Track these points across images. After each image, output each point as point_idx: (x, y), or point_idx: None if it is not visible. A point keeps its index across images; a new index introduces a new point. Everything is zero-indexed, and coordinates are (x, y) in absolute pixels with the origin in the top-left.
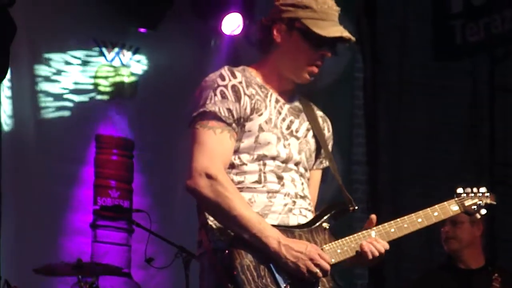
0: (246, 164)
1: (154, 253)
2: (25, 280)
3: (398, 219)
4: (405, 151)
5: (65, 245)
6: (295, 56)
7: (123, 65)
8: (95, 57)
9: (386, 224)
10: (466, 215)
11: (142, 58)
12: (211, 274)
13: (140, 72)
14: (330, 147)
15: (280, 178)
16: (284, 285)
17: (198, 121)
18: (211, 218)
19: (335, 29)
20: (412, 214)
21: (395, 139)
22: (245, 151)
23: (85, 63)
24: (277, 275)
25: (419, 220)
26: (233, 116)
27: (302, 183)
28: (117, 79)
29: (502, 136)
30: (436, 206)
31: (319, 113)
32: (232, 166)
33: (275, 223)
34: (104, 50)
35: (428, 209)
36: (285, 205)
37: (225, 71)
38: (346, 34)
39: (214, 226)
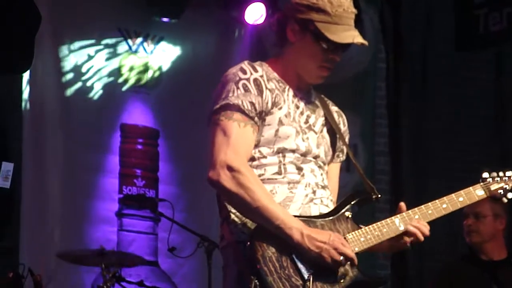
0: (266, 157)
1: (181, 242)
2: (50, 269)
3: (422, 206)
4: (428, 143)
5: (91, 233)
6: (306, 57)
7: (147, 54)
8: (119, 46)
9: (410, 211)
10: (491, 203)
11: (166, 48)
12: (234, 267)
13: (164, 61)
14: (347, 140)
15: (299, 169)
16: (307, 275)
17: (222, 113)
18: (233, 211)
19: (347, 35)
20: (437, 200)
21: (418, 130)
22: (265, 144)
23: (109, 52)
24: (300, 265)
25: (444, 206)
26: (255, 110)
27: (322, 174)
28: (142, 68)
29: None
30: (461, 191)
31: (334, 108)
32: (252, 159)
33: (297, 213)
34: (128, 39)
35: (453, 194)
36: (306, 195)
37: (245, 65)
38: (357, 40)
39: (236, 219)
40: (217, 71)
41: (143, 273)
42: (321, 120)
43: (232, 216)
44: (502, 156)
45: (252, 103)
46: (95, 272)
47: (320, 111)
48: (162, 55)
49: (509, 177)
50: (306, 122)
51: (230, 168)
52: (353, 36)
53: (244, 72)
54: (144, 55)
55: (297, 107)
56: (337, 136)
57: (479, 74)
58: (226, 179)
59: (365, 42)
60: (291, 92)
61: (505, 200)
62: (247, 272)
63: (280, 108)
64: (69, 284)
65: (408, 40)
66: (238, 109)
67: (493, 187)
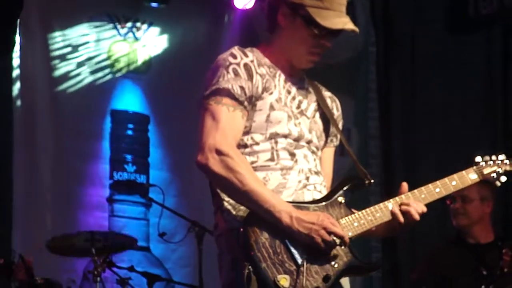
0: (258, 144)
1: (173, 228)
2: (41, 255)
3: (415, 190)
4: (418, 125)
5: (82, 219)
6: (296, 42)
7: (136, 39)
8: (108, 32)
9: (403, 195)
10: (478, 186)
11: (156, 33)
12: (228, 254)
13: (153, 46)
14: (340, 126)
15: (292, 154)
16: (301, 260)
17: (211, 97)
18: (226, 199)
19: (338, 21)
20: (430, 184)
21: (408, 112)
22: (257, 130)
23: (98, 38)
24: (293, 251)
25: (437, 190)
26: (245, 94)
27: (315, 159)
28: (131, 54)
29: None
30: (454, 175)
31: (327, 94)
32: (245, 146)
33: (290, 199)
34: (117, 25)
35: (446, 178)
36: (300, 181)
37: (235, 50)
38: (348, 26)
39: (229, 207)
40: (207, 56)
41: (135, 258)
42: (314, 105)
43: (226, 204)
44: (493, 138)
45: (242, 88)
46: (87, 258)
47: (313, 97)
48: (152, 41)
49: (502, 160)
50: (298, 107)
51: (219, 152)
52: (344, 23)
53: (234, 57)
54: (134, 40)
55: (289, 92)
56: (330, 121)
57: (469, 56)
58: (214, 163)
59: (356, 29)
60: (282, 77)
61: (498, 183)
62: (241, 259)
63: (271, 93)
64: (61, 269)
65: (398, 24)
66: (228, 93)
67: (486, 170)
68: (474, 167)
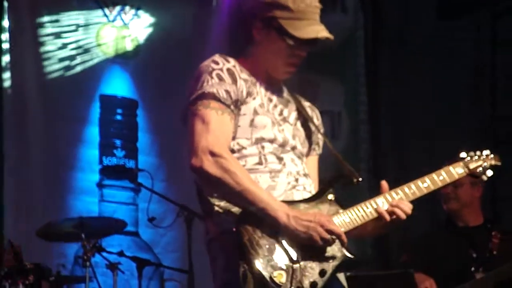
0: (245, 148)
1: (162, 213)
2: (31, 240)
3: (404, 185)
4: (407, 109)
5: (72, 204)
6: (272, 54)
7: (125, 24)
8: (96, 16)
9: (392, 191)
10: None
11: (144, 18)
12: (221, 257)
13: (142, 31)
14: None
15: (280, 158)
16: (296, 257)
17: (198, 102)
18: (217, 203)
19: (310, 30)
20: (418, 180)
21: (397, 97)
22: (242, 135)
23: (87, 23)
24: (287, 248)
25: (425, 185)
26: (231, 98)
27: (302, 163)
28: (119, 39)
29: (505, 92)
30: (441, 170)
31: (306, 103)
32: (232, 151)
33: (280, 199)
34: (105, 9)
35: (433, 173)
36: (289, 183)
37: (217, 57)
38: (322, 34)
39: (220, 211)
40: (195, 40)
41: (125, 243)
42: (294, 114)
43: (216, 208)
44: (482, 123)
45: (227, 92)
46: (78, 243)
47: (293, 106)
48: (140, 25)
49: (487, 155)
50: (280, 114)
51: (213, 153)
52: (317, 31)
53: (217, 63)
54: (122, 25)
55: (270, 100)
56: (312, 129)
57: (458, 41)
58: (209, 164)
59: (330, 36)
60: (263, 86)
61: (484, 178)
62: (235, 259)
63: (254, 99)
64: (52, 254)
65: (386, 8)
66: (214, 97)
67: (472, 165)
68: (461, 162)
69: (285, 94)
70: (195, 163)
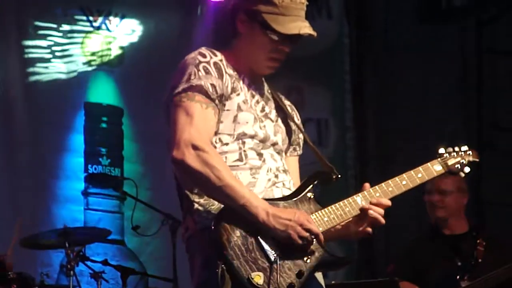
0: (226, 144)
1: (147, 221)
2: (16, 249)
3: (383, 183)
4: (393, 116)
5: (57, 213)
6: (255, 48)
7: (110, 32)
8: (81, 24)
9: (371, 189)
10: (454, 179)
11: (129, 25)
12: (200, 255)
13: (127, 39)
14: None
15: (260, 154)
16: (274, 257)
17: (183, 94)
18: (197, 200)
19: (293, 26)
20: (396, 177)
21: (382, 103)
22: (225, 131)
23: (71, 30)
24: (266, 247)
25: (404, 182)
26: (216, 92)
27: (281, 159)
28: (104, 46)
29: (490, 100)
30: (420, 167)
31: (287, 102)
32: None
33: (260, 197)
34: (90, 17)
35: (412, 171)
36: (269, 180)
37: (204, 50)
38: (304, 31)
39: (200, 208)
40: (180, 48)
41: (110, 251)
42: (275, 111)
43: (196, 205)
44: (467, 127)
45: (213, 85)
46: (64, 251)
47: (273, 103)
48: (125, 33)
49: (464, 151)
50: (262, 110)
51: (195, 147)
52: (300, 27)
53: (204, 56)
54: (107, 33)
55: (253, 96)
56: (293, 128)
57: (443, 47)
58: (190, 158)
59: (313, 33)
60: (246, 81)
61: (462, 174)
62: (213, 258)
63: (238, 94)
64: (37, 263)
65: (371, 15)
66: (200, 90)
67: (450, 162)
68: (439, 159)
69: (267, 90)
70: (177, 156)
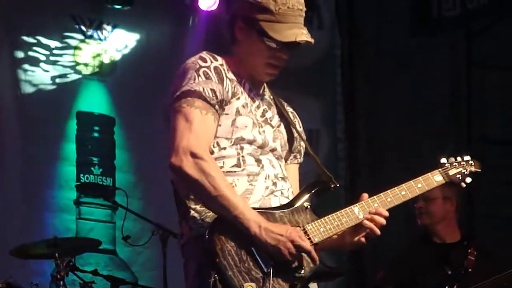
0: (224, 149)
1: (139, 231)
2: (7, 259)
3: (381, 194)
4: (384, 127)
5: (49, 222)
6: (254, 55)
7: (101, 41)
8: (73, 33)
9: (369, 199)
10: (440, 186)
11: (120, 35)
12: (193, 262)
13: (118, 48)
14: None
15: (258, 160)
16: (267, 268)
17: (183, 100)
18: (193, 207)
19: (290, 33)
20: (395, 188)
21: (373, 115)
22: (223, 135)
23: (63, 40)
24: (259, 259)
25: (403, 193)
26: (216, 97)
27: (280, 166)
28: (96, 55)
29: (480, 112)
30: (420, 178)
31: (289, 109)
32: (211, 152)
33: (257, 205)
34: (82, 26)
35: (411, 181)
36: (267, 187)
37: (204, 54)
38: (301, 38)
39: (196, 215)
40: (172, 58)
41: (102, 261)
42: (277, 117)
43: (192, 212)
44: (457, 140)
45: (213, 91)
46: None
47: (275, 109)
48: (116, 42)
49: (466, 161)
50: (263, 115)
51: (193, 155)
52: (296, 34)
53: (204, 61)
54: (98, 42)
55: (254, 101)
56: (294, 135)
57: (433, 59)
58: (188, 165)
59: (310, 40)
60: (247, 86)
61: (463, 185)
62: (207, 267)
63: (238, 99)
64: (29, 273)
65: (362, 26)
66: (200, 96)
67: (452, 172)
68: (440, 169)
69: (269, 96)
70: (175, 162)
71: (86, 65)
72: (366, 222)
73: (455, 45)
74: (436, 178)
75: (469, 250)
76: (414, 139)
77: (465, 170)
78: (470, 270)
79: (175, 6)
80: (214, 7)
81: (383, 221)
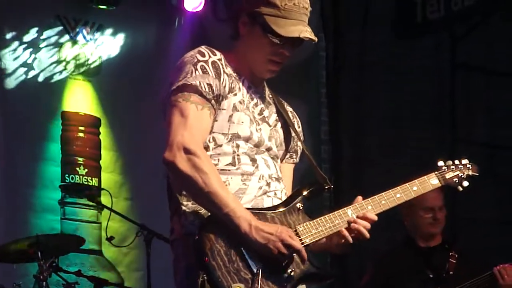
0: (220, 146)
1: (124, 231)
2: None
3: (375, 196)
4: (368, 130)
5: (34, 222)
6: (255, 50)
7: (87, 41)
8: (58, 33)
9: (363, 201)
10: (441, 193)
11: (106, 35)
12: (183, 260)
13: (104, 48)
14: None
15: (253, 160)
16: (256, 268)
17: (179, 94)
18: (185, 203)
19: (294, 29)
20: (390, 190)
21: (357, 117)
22: (219, 130)
23: (48, 40)
24: (248, 259)
25: (398, 195)
26: (213, 92)
27: (275, 166)
28: (81, 55)
29: (464, 114)
30: (415, 180)
31: (288, 109)
32: (206, 148)
33: (249, 205)
34: (67, 26)
35: (407, 183)
36: (260, 188)
37: (203, 48)
38: (304, 35)
39: (187, 211)
40: (157, 58)
41: (87, 262)
42: (275, 116)
43: (183, 208)
44: (442, 143)
45: (210, 85)
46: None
47: (273, 108)
48: (102, 43)
49: (464, 165)
50: (260, 113)
51: (187, 150)
52: (300, 31)
53: (203, 55)
54: (84, 42)
55: (252, 98)
56: (292, 135)
57: (418, 61)
58: (181, 161)
59: (314, 38)
60: (246, 83)
61: (460, 188)
62: (196, 267)
63: (235, 94)
64: (13, 274)
65: (347, 28)
66: (196, 90)
67: (448, 175)
68: (436, 172)
69: (268, 95)
70: (168, 157)
71: (71, 65)
72: (354, 225)
73: (439, 47)
74: (432, 181)
75: (450, 253)
76: (398, 141)
77: (462, 174)
78: (451, 273)
79: (160, 6)
80: (200, 8)
81: (367, 224)
